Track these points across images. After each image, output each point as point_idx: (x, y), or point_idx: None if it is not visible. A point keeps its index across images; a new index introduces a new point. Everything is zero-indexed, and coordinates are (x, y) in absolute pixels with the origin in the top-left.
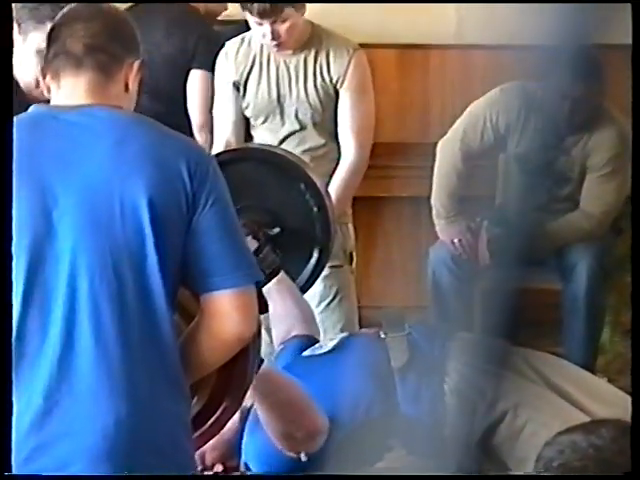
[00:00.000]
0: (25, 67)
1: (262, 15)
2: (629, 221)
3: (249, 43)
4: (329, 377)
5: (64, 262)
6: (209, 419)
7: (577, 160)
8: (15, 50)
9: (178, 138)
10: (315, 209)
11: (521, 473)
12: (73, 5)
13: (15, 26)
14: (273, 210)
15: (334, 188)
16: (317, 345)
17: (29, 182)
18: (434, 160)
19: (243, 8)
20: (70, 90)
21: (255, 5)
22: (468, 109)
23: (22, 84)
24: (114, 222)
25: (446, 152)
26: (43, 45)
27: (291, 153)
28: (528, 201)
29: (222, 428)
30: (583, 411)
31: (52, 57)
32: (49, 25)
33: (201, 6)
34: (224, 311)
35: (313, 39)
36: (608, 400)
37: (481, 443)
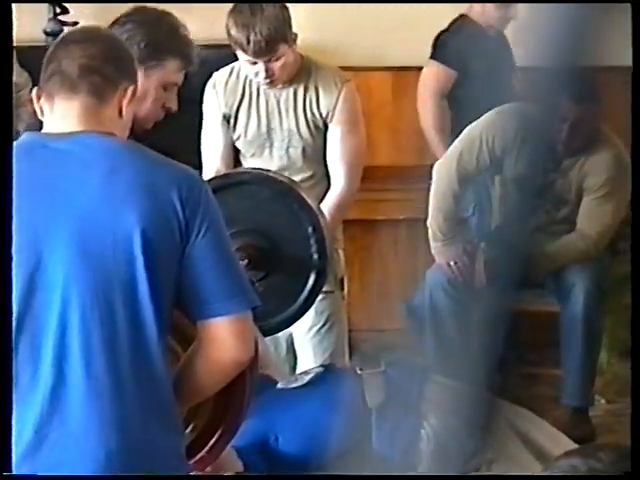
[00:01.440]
0: (143, 102)
1: (257, 54)
2: (626, 242)
3: (237, 75)
4: (302, 411)
5: (55, 294)
6: (206, 445)
7: (574, 182)
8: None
9: (169, 165)
10: (310, 229)
11: (521, 473)
12: (71, 29)
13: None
14: (267, 233)
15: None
16: (292, 378)
17: (19, 213)
18: (430, 182)
19: (235, 46)
20: (63, 115)
21: (251, 45)
22: (464, 131)
23: (137, 117)
24: (106, 253)
25: (442, 174)
26: (164, 80)
27: (282, 175)
28: (525, 223)
29: (220, 454)
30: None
31: (47, 78)
32: (171, 61)
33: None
34: (221, 337)
35: (302, 72)
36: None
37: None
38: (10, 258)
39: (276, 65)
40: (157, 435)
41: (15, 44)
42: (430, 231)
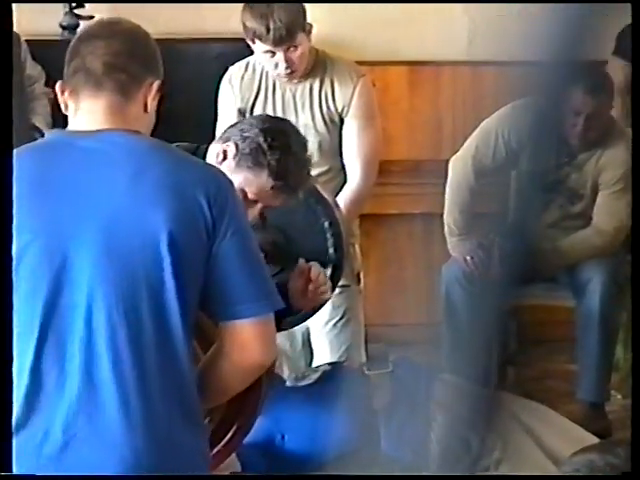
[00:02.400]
0: None
1: (278, 43)
2: None
3: (253, 69)
4: (309, 410)
5: (81, 294)
6: (222, 440)
7: (589, 176)
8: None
9: (196, 165)
10: (326, 223)
11: (521, 474)
12: (94, 22)
13: (234, 154)
14: (283, 227)
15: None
16: (300, 376)
17: (45, 212)
18: (446, 177)
19: (253, 38)
20: (88, 112)
21: (271, 34)
22: (480, 126)
23: None
24: (132, 253)
25: (458, 169)
26: (247, 187)
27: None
28: (540, 218)
29: (236, 448)
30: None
31: (71, 73)
32: (263, 175)
33: None
34: (245, 339)
35: (318, 66)
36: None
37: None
38: (10, 258)
39: (295, 55)
40: (183, 434)
41: (31, 37)
42: (446, 226)
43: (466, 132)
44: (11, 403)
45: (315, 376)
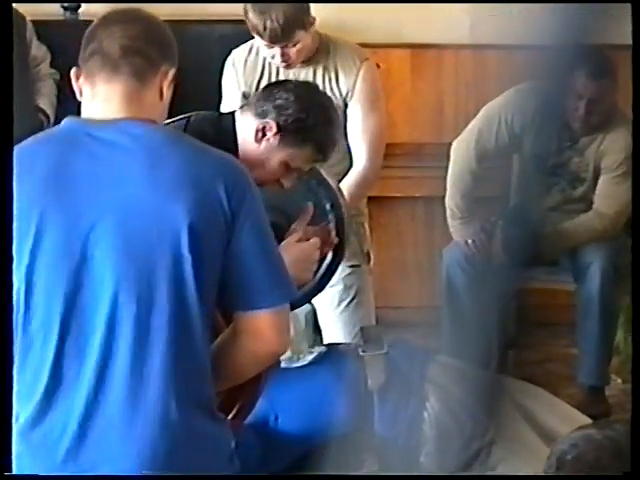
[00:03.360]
0: (260, 167)
1: (274, 41)
2: None
3: (257, 52)
4: (303, 391)
5: (103, 288)
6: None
7: (591, 160)
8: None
9: (214, 156)
10: (328, 206)
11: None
12: (111, 10)
13: (275, 132)
14: (285, 210)
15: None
16: (295, 357)
17: (64, 205)
18: (448, 160)
19: (252, 30)
20: (104, 98)
21: (267, 32)
22: (483, 110)
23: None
24: (152, 246)
25: (460, 152)
26: (292, 160)
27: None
28: (542, 201)
29: (238, 427)
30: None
31: (88, 57)
32: (307, 149)
33: None
34: (260, 329)
35: (321, 50)
36: None
37: (454, 478)
38: (10, 259)
39: (292, 50)
40: (201, 425)
41: (33, 18)
42: (448, 209)
43: (468, 115)
44: (11, 403)
45: (310, 357)
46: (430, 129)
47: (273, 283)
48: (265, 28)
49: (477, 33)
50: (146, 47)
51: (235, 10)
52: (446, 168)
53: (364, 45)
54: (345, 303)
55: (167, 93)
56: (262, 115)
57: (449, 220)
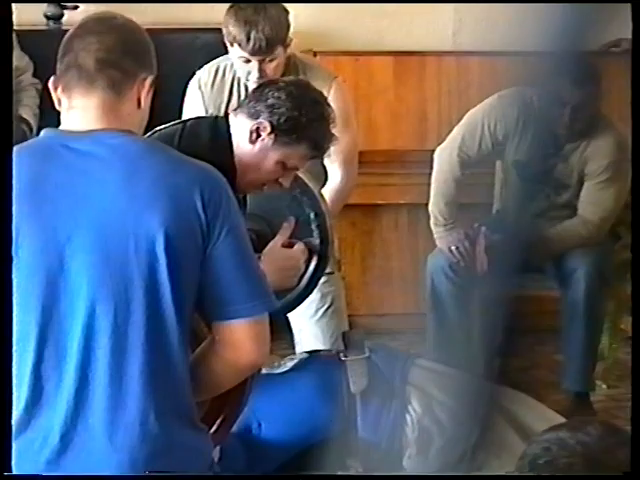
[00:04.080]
0: (257, 170)
1: (255, 53)
2: (627, 228)
3: (223, 73)
4: (286, 397)
5: (80, 299)
6: (208, 432)
7: (575, 167)
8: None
9: (190, 165)
10: (312, 214)
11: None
12: (88, 17)
13: (269, 132)
14: (268, 218)
15: None
16: (276, 364)
17: (40, 217)
18: (431, 167)
19: (232, 42)
20: (81, 111)
21: (250, 43)
22: (466, 116)
23: (243, 178)
24: (128, 256)
25: (444, 159)
26: (288, 159)
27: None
28: (527, 208)
29: (223, 439)
30: None
31: (64, 70)
32: (303, 146)
33: None
34: (239, 340)
35: (290, 69)
36: None
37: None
38: (10, 259)
39: (269, 66)
40: (181, 435)
41: (16, 28)
42: (432, 216)
43: (451, 122)
44: (11, 403)
45: (291, 364)
46: (413, 136)
47: (251, 293)
48: (249, 40)
49: (460, 40)
50: (122, 59)
51: (217, 19)
52: (429, 175)
53: (346, 52)
54: (322, 311)
55: (146, 100)
56: (255, 116)
57: (433, 227)
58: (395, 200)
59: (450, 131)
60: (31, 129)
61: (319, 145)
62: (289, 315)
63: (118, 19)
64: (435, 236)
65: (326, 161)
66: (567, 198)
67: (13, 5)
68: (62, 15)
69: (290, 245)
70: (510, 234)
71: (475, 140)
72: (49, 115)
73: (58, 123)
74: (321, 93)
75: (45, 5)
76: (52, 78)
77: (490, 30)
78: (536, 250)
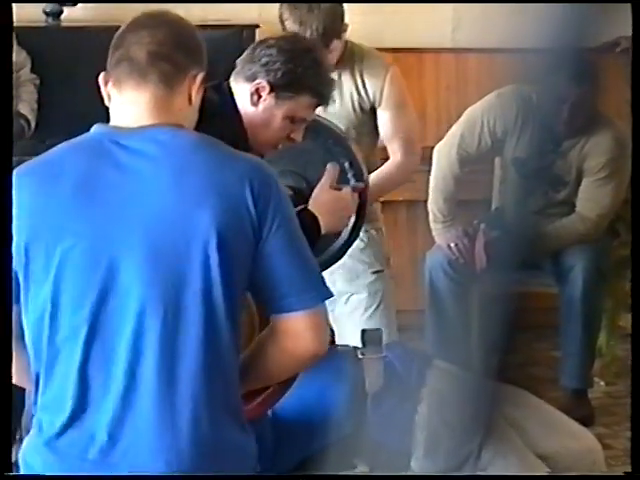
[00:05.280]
0: (267, 128)
1: None
2: (625, 224)
3: None
4: (303, 391)
5: (130, 298)
6: (255, 399)
7: (574, 164)
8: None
9: (239, 160)
10: (347, 164)
11: (521, 473)
12: (140, 14)
13: (269, 91)
14: (303, 173)
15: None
16: None
17: (91, 215)
18: (430, 164)
19: None
20: (132, 106)
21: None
22: (465, 113)
23: (257, 141)
24: (179, 256)
25: (443, 157)
26: (294, 112)
27: (339, 128)
28: (525, 205)
29: (267, 409)
30: (544, 453)
31: (115, 64)
32: (305, 97)
33: None
34: (298, 331)
35: (347, 56)
36: (570, 435)
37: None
38: (10, 257)
39: (329, 58)
40: (229, 434)
41: (14, 24)
42: (430, 213)
43: (450, 119)
44: (11, 403)
45: None
46: None
47: (306, 284)
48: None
49: (458, 37)
50: (174, 53)
51: (217, 15)
52: (428, 172)
53: None
54: (372, 309)
55: (196, 97)
56: (252, 78)
57: (432, 224)
58: (394, 197)
59: (449, 128)
60: (29, 124)
61: (320, 92)
62: (338, 314)
63: (170, 15)
64: (434, 233)
65: (386, 141)
66: (565, 195)
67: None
68: (61, 12)
69: (337, 189)
70: (509, 231)
71: (474, 137)
72: (47, 110)
73: (60, 119)
74: (312, 41)
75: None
76: (102, 74)
77: (489, 27)
78: (534, 247)
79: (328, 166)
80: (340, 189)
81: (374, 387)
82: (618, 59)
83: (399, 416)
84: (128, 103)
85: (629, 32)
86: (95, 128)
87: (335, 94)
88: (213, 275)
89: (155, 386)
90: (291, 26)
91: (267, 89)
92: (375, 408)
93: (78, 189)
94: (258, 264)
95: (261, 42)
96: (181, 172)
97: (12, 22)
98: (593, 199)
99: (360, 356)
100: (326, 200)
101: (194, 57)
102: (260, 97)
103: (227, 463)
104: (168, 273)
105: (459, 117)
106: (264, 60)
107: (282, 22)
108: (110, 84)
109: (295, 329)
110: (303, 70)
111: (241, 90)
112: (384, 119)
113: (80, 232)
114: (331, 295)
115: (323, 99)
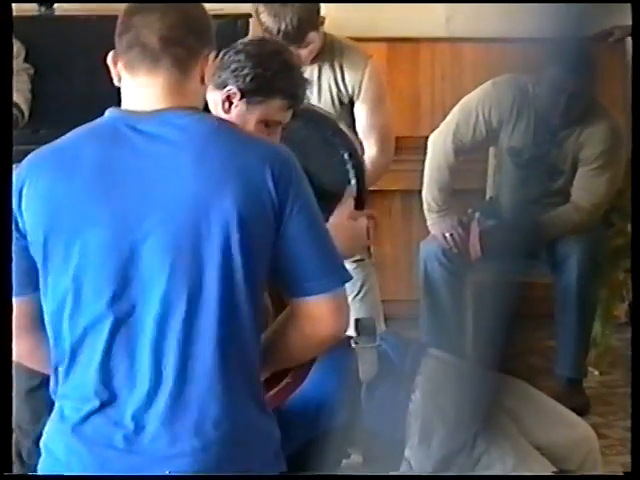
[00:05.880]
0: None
1: (287, 43)
2: (620, 214)
3: None
4: None
5: (152, 284)
6: (271, 389)
7: (569, 153)
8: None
9: (259, 144)
10: (346, 155)
11: (521, 473)
12: None
13: (239, 97)
14: (303, 163)
15: None
16: None
17: (111, 202)
18: (425, 153)
19: (265, 32)
20: (146, 89)
21: (281, 34)
22: (460, 103)
23: None
24: (200, 240)
25: (438, 146)
26: (266, 116)
27: (315, 105)
28: (521, 194)
29: (283, 400)
30: (539, 442)
31: (126, 48)
32: (276, 100)
33: None
34: (318, 315)
35: (326, 49)
36: (566, 424)
37: (438, 469)
38: (10, 257)
39: (304, 51)
40: (252, 420)
41: None
42: (425, 202)
43: (445, 109)
44: (11, 403)
45: None
46: (407, 122)
47: (326, 268)
48: (279, 31)
49: (453, 26)
50: (186, 36)
51: (211, 6)
52: (423, 161)
53: None
54: (351, 297)
55: (208, 75)
56: (222, 85)
57: (426, 213)
58: (389, 186)
59: (444, 118)
60: (22, 114)
61: (291, 94)
62: None
63: None
64: (428, 222)
65: (362, 135)
66: (561, 184)
67: None
68: (55, 1)
69: (355, 218)
70: (504, 220)
71: (469, 127)
72: (40, 100)
73: (54, 108)
74: (281, 44)
75: None
76: (110, 53)
77: (484, 17)
78: (529, 236)
79: (345, 195)
80: (357, 218)
81: (368, 376)
82: (611, 49)
83: (393, 405)
84: (141, 86)
85: (623, 22)
86: (109, 112)
87: (314, 87)
88: (234, 259)
89: (179, 374)
90: (266, 19)
91: (238, 95)
92: (369, 397)
93: (96, 176)
94: (278, 247)
95: (230, 48)
96: (201, 156)
97: (11, 21)
98: (588, 188)
99: (354, 345)
100: (344, 229)
101: (205, 38)
102: (232, 104)
103: (251, 447)
104: (189, 258)
105: (454, 107)
106: (233, 66)
107: (257, 15)
108: (120, 65)
109: (316, 312)
110: (272, 74)
111: (213, 98)
112: (361, 112)
113: (100, 220)
114: (351, 278)
115: (295, 100)
